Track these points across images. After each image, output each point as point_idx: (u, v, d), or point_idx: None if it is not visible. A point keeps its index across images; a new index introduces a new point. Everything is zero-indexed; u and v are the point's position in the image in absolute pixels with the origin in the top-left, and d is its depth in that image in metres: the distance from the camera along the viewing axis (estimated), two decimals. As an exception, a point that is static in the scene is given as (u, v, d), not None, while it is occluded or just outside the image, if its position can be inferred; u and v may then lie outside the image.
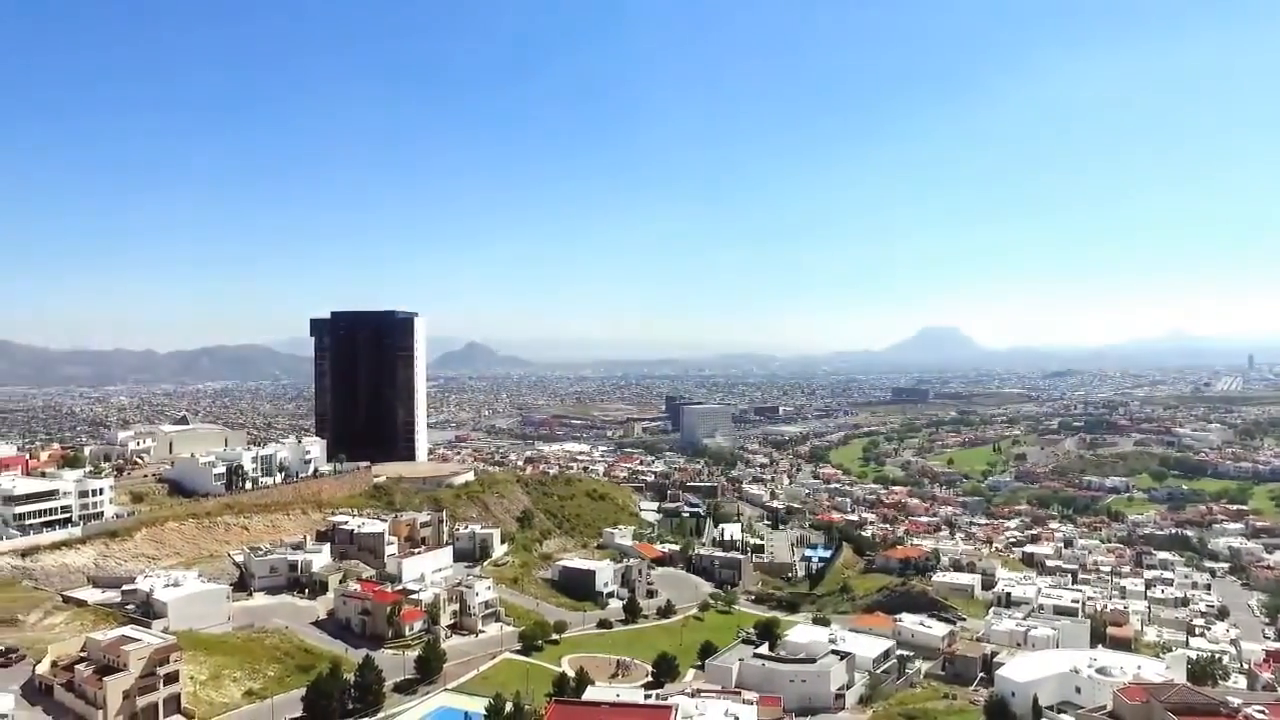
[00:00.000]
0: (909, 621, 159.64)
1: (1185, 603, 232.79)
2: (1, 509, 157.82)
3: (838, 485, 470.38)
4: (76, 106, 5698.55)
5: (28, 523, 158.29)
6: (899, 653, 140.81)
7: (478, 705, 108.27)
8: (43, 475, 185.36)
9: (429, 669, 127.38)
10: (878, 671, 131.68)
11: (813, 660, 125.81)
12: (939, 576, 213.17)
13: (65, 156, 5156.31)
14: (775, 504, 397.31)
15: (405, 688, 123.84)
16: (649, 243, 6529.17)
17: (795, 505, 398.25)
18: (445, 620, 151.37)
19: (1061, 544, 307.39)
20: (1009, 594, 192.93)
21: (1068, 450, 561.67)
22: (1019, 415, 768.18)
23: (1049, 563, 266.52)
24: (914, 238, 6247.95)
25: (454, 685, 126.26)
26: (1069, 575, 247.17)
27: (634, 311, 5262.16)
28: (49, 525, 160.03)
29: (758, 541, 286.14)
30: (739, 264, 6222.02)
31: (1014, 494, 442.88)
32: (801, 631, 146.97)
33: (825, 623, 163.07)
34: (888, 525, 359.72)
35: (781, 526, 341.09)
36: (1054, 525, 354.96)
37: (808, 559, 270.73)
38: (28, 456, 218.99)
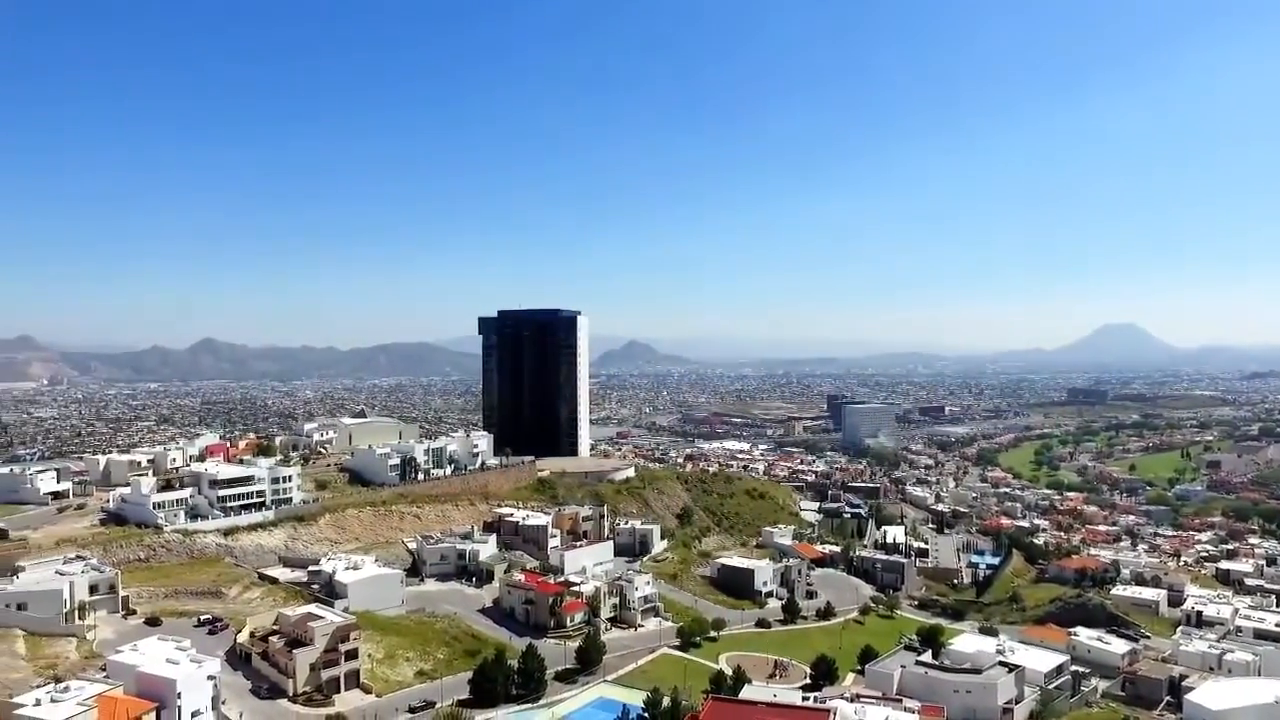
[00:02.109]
0: (1085, 636, 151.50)
1: None
2: (208, 491, 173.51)
3: (1007, 489, 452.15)
4: (259, 116, 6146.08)
5: (228, 505, 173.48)
6: (1073, 669, 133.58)
7: (636, 698, 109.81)
8: (240, 462, 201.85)
9: (589, 660, 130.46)
10: (1050, 687, 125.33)
11: (979, 671, 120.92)
12: (1119, 590, 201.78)
13: (255, 169, 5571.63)
14: (940, 507, 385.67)
15: (566, 677, 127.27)
16: (810, 239, 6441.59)
17: (961, 509, 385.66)
18: (605, 613, 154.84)
19: (1263, 561, 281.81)
20: (1200, 613, 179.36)
21: (1270, 459, 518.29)
22: (1212, 419, 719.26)
23: (1248, 581, 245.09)
24: (1090, 228, 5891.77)
25: (613, 677, 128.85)
26: (1272, 596, 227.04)
27: (795, 310, 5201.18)
28: (246, 508, 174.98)
29: (922, 545, 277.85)
30: (904, 263, 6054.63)
31: (1206, 504, 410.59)
32: (967, 640, 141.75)
33: (993, 632, 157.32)
34: (1062, 533, 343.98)
35: (947, 530, 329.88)
36: (1254, 540, 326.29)
37: (974, 565, 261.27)
38: (229, 445, 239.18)
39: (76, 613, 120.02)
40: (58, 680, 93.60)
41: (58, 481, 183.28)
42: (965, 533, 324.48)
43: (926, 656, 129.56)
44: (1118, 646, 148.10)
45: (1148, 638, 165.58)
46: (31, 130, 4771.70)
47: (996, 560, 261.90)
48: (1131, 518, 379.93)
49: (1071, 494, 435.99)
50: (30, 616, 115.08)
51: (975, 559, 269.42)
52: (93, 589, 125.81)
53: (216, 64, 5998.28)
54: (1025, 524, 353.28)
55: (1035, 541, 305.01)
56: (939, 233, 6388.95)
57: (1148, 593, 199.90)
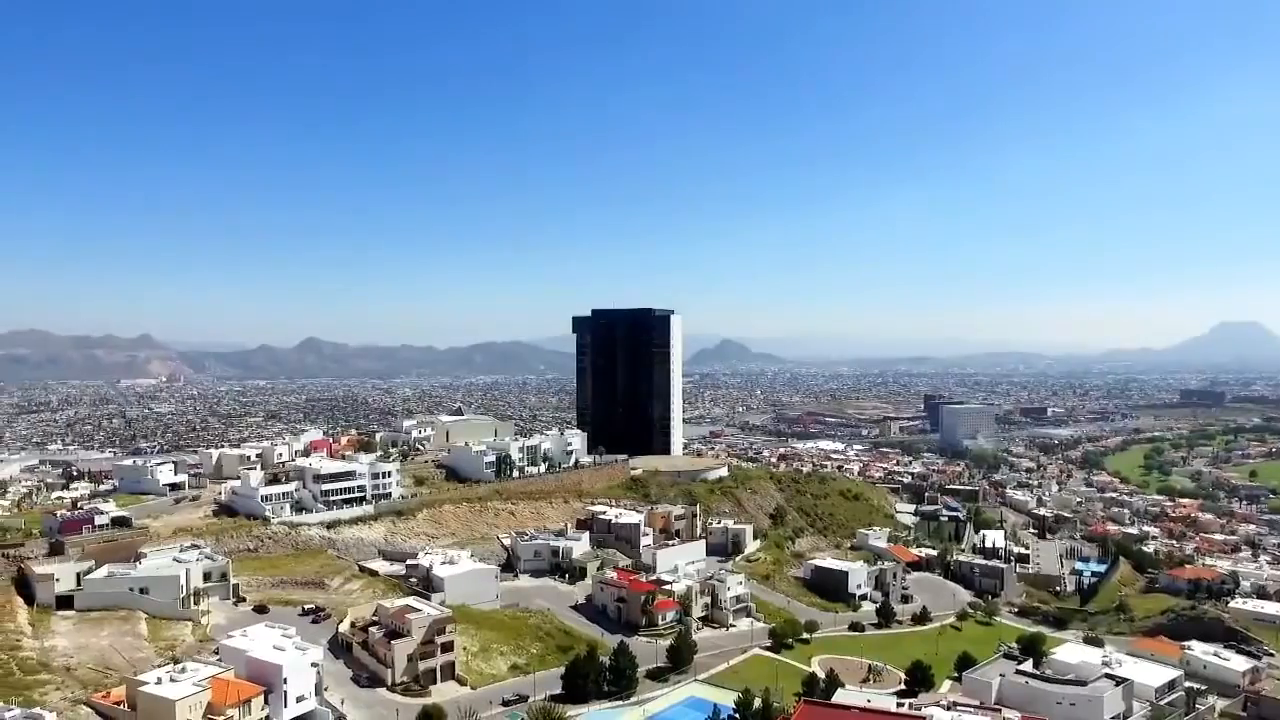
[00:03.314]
0: (1200, 651, 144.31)
1: None
2: (312, 485, 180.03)
3: (1114, 494, 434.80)
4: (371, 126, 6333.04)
5: (331, 499, 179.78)
6: (1188, 685, 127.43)
7: (727, 698, 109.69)
8: (343, 458, 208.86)
9: (680, 659, 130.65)
10: (1161, 703, 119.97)
11: (1083, 683, 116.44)
12: (1238, 603, 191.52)
13: (355, 172, 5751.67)
14: (1042, 511, 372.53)
15: (657, 675, 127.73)
16: (906, 235, 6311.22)
17: (1065, 514, 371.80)
18: (697, 612, 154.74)
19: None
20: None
21: None
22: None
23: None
24: (1207, 220, 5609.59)
25: (704, 677, 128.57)
26: None
27: (890, 308, 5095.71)
28: (348, 503, 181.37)
29: (1022, 550, 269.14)
30: (1004, 259, 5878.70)
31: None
32: (1071, 650, 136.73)
33: (1098, 643, 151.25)
34: (1174, 541, 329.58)
35: (1049, 536, 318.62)
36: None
37: (1079, 573, 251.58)
38: (331, 441, 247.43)
39: (192, 598, 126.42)
40: (175, 661, 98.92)
41: (175, 474, 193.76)
42: (1069, 538, 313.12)
43: (1027, 666, 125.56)
44: (1238, 663, 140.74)
45: (1271, 655, 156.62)
46: (155, 139, 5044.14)
47: (1102, 568, 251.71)
48: (1252, 527, 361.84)
49: (1185, 500, 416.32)
50: (151, 600, 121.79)
51: (1079, 566, 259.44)
52: (206, 576, 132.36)
53: (341, 58, 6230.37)
54: (1133, 531, 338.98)
55: (1144, 549, 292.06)
56: (1041, 228, 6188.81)
57: (1271, 607, 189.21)
